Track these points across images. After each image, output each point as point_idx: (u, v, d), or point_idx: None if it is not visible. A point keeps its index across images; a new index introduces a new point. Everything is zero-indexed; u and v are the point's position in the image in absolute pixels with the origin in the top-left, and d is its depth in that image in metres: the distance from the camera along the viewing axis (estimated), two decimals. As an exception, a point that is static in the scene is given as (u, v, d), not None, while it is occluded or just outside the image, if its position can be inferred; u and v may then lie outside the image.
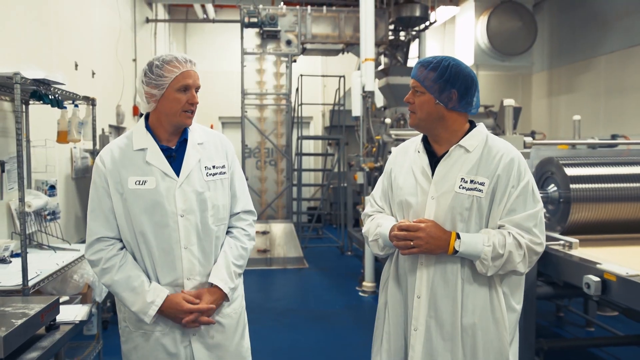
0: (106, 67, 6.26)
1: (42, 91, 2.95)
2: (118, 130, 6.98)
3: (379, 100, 9.11)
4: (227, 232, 2.13)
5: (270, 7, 8.22)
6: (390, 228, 1.92)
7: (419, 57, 10.25)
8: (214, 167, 2.05)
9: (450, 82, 1.83)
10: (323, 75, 10.94)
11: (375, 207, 2.11)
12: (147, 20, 8.68)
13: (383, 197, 2.10)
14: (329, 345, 4.52)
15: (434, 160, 1.93)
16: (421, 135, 2.01)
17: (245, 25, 7.83)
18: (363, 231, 2.10)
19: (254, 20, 7.69)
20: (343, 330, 4.88)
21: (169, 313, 1.94)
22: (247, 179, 7.95)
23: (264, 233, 7.83)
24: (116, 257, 1.97)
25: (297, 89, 9.45)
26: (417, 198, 1.91)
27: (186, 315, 1.92)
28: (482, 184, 1.83)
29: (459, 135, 1.91)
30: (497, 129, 7.66)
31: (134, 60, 7.64)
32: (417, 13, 8.51)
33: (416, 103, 1.89)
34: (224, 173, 2.08)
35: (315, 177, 11.52)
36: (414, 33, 9.16)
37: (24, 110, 3.68)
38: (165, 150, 1.99)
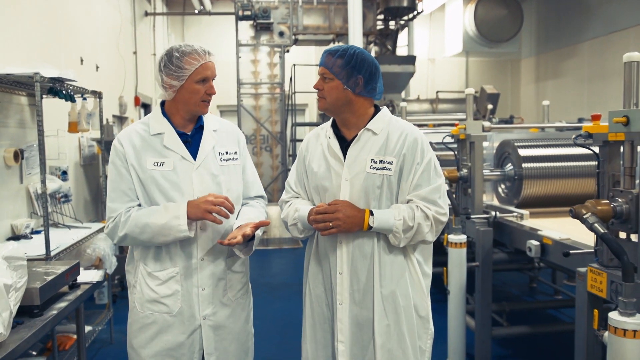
0: (109, 60, 6.66)
1: (57, 88, 3.37)
2: (121, 120, 7.40)
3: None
4: (243, 205, 2.18)
5: (263, -1, 8.60)
6: (308, 212, 2.00)
7: (407, 45, 10.63)
8: (227, 152, 2.10)
9: (357, 68, 1.95)
10: (316, 65, 11.31)
11: (292, 193, 2.18)
12: (146, 14, 9.05)
13: (298, 183, 2.17)
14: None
15: (345, 144, 2.03)
16: (330, 121, 2.12)
17: (239, 18, 8.22)
18: (282, 217, 2.16)
19: (248, 13, 8.08)
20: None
21: (194, 204, 1.93)
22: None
23: (261, 215, 8.27)
24: (133, 209, 2.01)
25: (291, 78, 9.84)
26: (331, 181, 2.01)
27: (211, 197, 1.92)
28: (390, 162, 1.96)
29: (366, 119, 2.02)
30: (478, 114, 8.04)
31: (134, 53, 8.03)
32: (405, 3, 8.87)
33: (325, 89, 1.98)
34: (236, 159, 2.13)
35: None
36: (402, 22, 9.51)
37: (37, 104, 4.10)
38: (182, 136, 2.04)
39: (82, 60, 5.51)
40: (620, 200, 2.15)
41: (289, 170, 8.98)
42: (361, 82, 1.96)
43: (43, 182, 3.09)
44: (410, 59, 8.88)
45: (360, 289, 2.00)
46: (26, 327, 2.11)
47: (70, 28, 5.20)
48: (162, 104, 2.09)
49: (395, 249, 1.99)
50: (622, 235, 2.25)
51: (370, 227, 1.92)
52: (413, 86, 11.22)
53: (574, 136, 2.35)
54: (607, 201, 2.17)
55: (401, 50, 10.47)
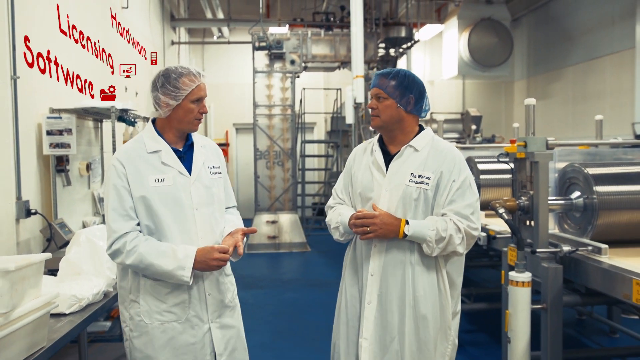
0: (144, 87, 7.72)
1: (124, 116, 4.42)
2: (152, 137, 8.47)
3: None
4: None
5: (277, 31, 9.69)
6: (349, 217, 2.16)
7: (407, 70, 11.66)
8: (213, 167, 2.24)
9: (408, 88, 2.13)
10: (324, 88, 12.42)
11: (337, 199, 2.35)
12: (172, 43, 10.19)
13: (344, 191, 2.34)
14: (322, 302, 5.94)
15: (388, 158, 2.20)
16: (377, 137, 2.30)
17: (255, 49, 9.31)
18: (326, 220, 2.33)
19: (263, 44, 9.17)
20: (335, 293, 6.28)
21: (202, 259, 2.02)
22: (258, 177, 9.34)
23: (273, 222, 9.29)
24: (140, 237, 2.04)
25: (301, 100, 10.92)
26: (373, 191, 2.17)
27: (217, 254, 2.02)
28: (428, 178, 2.10)
29: (411, 136, 2.20)
30: (463, 133, 9.01)
31: (164, 78, 9.13)
32: (403, 34, 9.93)
33: (379, 108, 2.15)
34: (220, 173, 2.27)
35: (319, 176, 12.98)
36: (401, 50, 10.56)
37: (99, 127, 5.18)
38: (175, 152, 2.14)
39: (126, 89, 6.60)
40: (523, 198, 3.14)
41: (299, 182, 10.09)
42: (412, 101, 2.15)
43: (115, 186, 4.13)
44: (408, 84, 9.89)
45: (388, 292, 2.13)
46: (121, 281, 3.13)
47: (119, 61, 6.30)
48: (153, 122, 2.19)
49: (427, 259, 2.12)
50: (529, 223, 3.23)
51: (405, 235, 2.06)
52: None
53: (498, 154, 3.34)
54: (514, 198, 3.16)
55: (401, 75, 11.47)
